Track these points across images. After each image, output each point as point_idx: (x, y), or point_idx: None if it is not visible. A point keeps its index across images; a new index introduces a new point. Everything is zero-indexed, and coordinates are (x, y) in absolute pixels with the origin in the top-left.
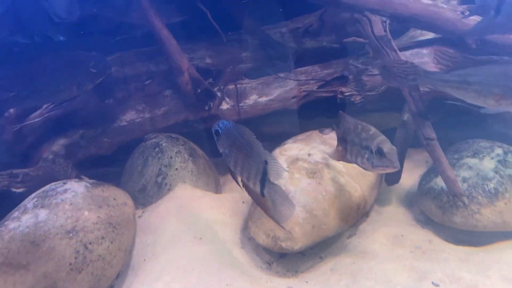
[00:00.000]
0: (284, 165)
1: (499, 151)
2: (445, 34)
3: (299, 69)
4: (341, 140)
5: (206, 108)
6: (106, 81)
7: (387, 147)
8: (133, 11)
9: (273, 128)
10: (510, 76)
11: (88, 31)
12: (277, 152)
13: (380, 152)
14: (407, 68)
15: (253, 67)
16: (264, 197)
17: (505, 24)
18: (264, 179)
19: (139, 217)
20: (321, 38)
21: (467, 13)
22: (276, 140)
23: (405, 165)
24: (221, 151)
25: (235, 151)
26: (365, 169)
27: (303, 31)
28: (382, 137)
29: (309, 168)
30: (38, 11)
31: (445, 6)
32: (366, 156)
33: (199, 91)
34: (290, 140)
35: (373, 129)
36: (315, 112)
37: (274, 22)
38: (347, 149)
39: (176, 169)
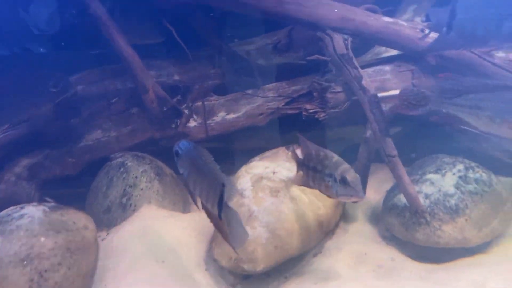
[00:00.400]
0: (249, 184)
1: (460, 166)
2: (405, 51)
3: (267, 85)
4: (303, 165)
5: (173, 126)
6: (71, 99)
7: (351, 175)
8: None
9: (246, 144)
10: None
11: (68, 44)
12: (243, 170)
13: (344, 181)
14: (417, 96)
15: (222, 84)
16: (222, 220)
17: (456, 41)
18: (221, 202)
19: (103, 239)
20: (289, 54)
21: (427, 31)
22: (251, 154)
23: (373, 180)
24: (181, 172)
25: (194, 172)
26: (329, 196)
27: (272, 47)
28: (346, 165)
29: (273, 187)
30: (18, 23)
31: (405, 23)
32: (330, 184)
33: (165, 109)
34: (257, 158)
35: (335, 156)
36: (288, 127)
37: (243, 38)
38: (309, 175)
39: (141, 189)
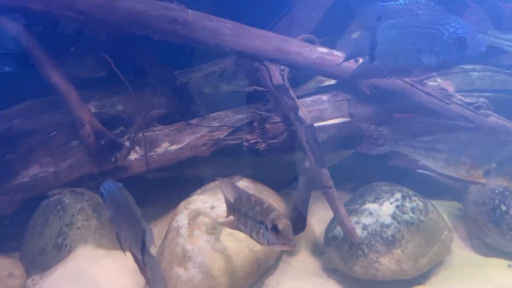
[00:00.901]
0: (185, 222)
1: (398, 195)
2: (340, 80)
3: (212, 114)
4: (234, 209)
5: (112, 159)
6: (5, 135)
7: (283, 223)
8: None
9: (195, 173)
10: (479, 144)
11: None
12: (181, 206)
13: (275, 229)
14: (375, 133)
15: (168, 113)
16: (145, 265)
17: (380, 69)
18: (143, 248)
19: (34, 284)
20: (236, 82)
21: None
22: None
23: (319, 207)
24: (107, 214)
25: (119, 215)
26: (261, 244)
27: (218, 75)
28: (277, 212)
29: (209, 224)
30: None
31: (339, 53)
32: (261, 231)
33: (103, 142)
34: (198, 191)
35: (266, 203)
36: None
37: (190, 66)
38: (241, 221)
39: (78, 228)
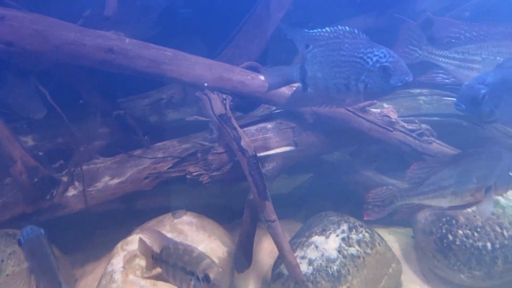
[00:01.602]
0: (120, 265)
1: (344, 226)
2: (281, 107)
3: (157, 144)
4: (161, 261)
5: (48, 197)
6: None
7: (214, 272)
8: None
9: (147, 204)
10: (481, 167)
11: None
12: (118, 247)
13: (207, 279)
14: (382, 195)
15: (111, 144)
16: None
17: (313, 97)
18: None
19: None
20: (184, 109)
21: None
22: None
23: (267, 243)
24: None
25: (36, 266)
26: None
27: (166, 102)
28: (208, 260)
29: None
30: None
31: None
32: (192, 283)
33: (37, 179)
34: (137, 229)
35: (196, 251)
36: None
37: (135, 94)
38: (169, 272)
39: (7, 275)
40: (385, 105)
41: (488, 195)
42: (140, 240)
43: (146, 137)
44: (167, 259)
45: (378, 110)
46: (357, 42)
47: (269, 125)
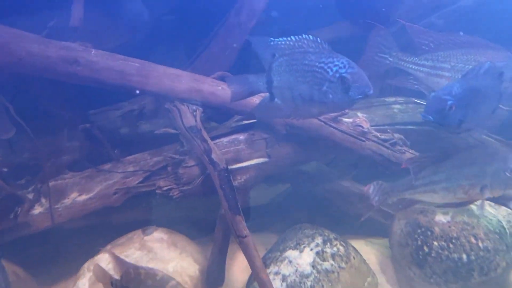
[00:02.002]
0: (85, 287)
1: (318, 240)
2: (253, 118)
3: (129, 157)
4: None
5: (12, 216)
6: None
7: None
8: None
9: (120, 218)
10: (473, 163)
11: None
12: (85, 267)
13: None
14: (375, 191)
15: (80, 158)
16: None
17: (281, 107)
18: None
19: None
20: (157, 120)
21: None
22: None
23: (242, 258)
24: None
25: None
26: None
27: (137, 114)
28: (172, 282)
29: None
30: None
31: None
32: None
33: (0, 197)
34: (108, 246)
35: (160, 274)
36: None
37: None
38: None
39: None
40: (359, 114)
41: (483, 193)
42: (97, 266)
43: (116, 151)
44: (127, 285)
45: (351, 120)
46: (320, 51)
47: (241, 137)
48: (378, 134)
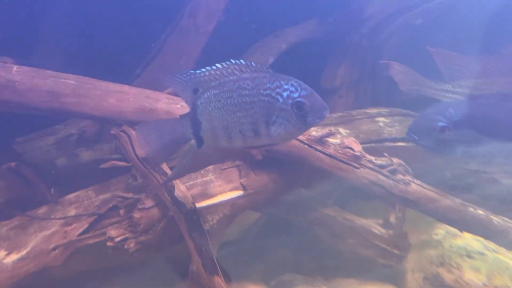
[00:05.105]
0: None
1: None
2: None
3: (69, 196)
4: None
5: None
6: None
7: None
8: None
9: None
10: None
11: None
12: None
13: None
14: None
15: (8, 203)
16: None
17: (215, 153)
18: None
19: None
20: (101, 146)
21: None
22: None
23: None
24: None
25: None
26: None
27: (76, 139)
28: None
29: None
30: None
31: None
32: None
33: None
34: None
35: None
36: None
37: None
38: None
39: None
40: (341, 130)
41: None
42: None
43: (52, 190)
44: None
45: (338, 141)
46: (259, 76)
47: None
48: (373, 158)
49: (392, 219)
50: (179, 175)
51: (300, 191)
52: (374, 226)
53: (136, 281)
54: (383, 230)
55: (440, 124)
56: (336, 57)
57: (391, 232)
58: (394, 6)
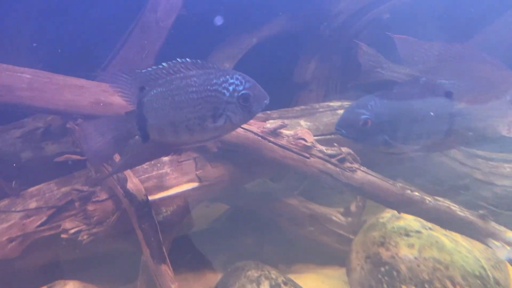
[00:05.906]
0: None
1: (265, 285)
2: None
3: (31, 189)
4: None
5: None
6: None
7: None
8: None
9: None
10: None
11: None
12: None
13: None
14: None
15: None
16: None
17: (159, 147)
18: None
19: None
20: (67, 139)
21: None
22: None
23: None
24: None
25: None
26: None
27: (42, 133)
28: None
29: None
30: None
31: None
32: None
33: None
34: None
35: None
36: None
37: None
38: None
39: None
40: (302, 123)
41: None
42: None
43: (14, 183)
44: None
45: (292, 132)
46: (205, 73)
47: (164, 158)
48: (323, 148)
49: (353, 207)
50: (123, 168)
51: (266, 183)
52: (335, 214)
53: (103, 275)
54: (342, 218)
55: (363, 117)
56: (307, 52)
57: (350, 219)
58: (362, 1)
